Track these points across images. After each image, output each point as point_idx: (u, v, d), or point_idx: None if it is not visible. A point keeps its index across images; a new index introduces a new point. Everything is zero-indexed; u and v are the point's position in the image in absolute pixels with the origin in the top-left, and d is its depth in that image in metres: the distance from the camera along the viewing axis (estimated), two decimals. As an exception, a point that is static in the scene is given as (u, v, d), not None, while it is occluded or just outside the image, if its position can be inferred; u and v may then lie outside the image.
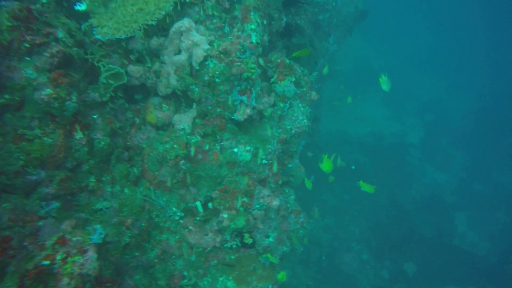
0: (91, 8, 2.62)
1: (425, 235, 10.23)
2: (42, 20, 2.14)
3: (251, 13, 3.14)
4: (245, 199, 2.65)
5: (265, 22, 3.39)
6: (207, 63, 2.55)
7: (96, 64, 2.55)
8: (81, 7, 2.60)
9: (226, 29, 3.00)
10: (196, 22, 2.91)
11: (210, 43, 2.58)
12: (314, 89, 7.06)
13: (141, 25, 2.42)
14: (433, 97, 15.52)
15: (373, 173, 11.37)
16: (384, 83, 3.46)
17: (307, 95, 3.35)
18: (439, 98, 15.52)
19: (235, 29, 2.75)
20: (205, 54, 2.50)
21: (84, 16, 2.64)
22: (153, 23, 2.45)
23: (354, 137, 12.73)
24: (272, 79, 3.06)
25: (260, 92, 2.84)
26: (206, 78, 2.58)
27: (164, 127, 2.85)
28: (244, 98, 2.65)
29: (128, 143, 2.77)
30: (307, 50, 3.60)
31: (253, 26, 3.12)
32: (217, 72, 2.51)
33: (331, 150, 11.59)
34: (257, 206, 2.74)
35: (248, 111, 2.69)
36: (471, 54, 19.04)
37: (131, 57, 2.61)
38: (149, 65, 2.67)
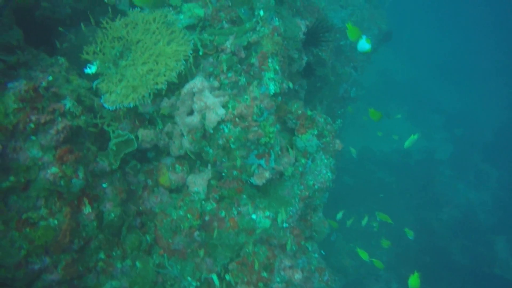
0: (101, 70, 2.51)
1: (460, 262, 9.51)
2: (49, 95, 2.03)
3: (269, 60, 2.94)
4: (265, 274, 2.41)
5: (284, 66, 3.18)
6: (221, 127, 2.36)
7: (106, 128, 2.42)
8: (91, 69, 2.49)
9: (242, 80, 2.81)
10: (210, 75, 2.74)
11: (224, 105, 2.39)
12: (338, 116, 6.76)
13: (150, 91, 2.27)
14: (462, 109, 14.70)
15: (399, 195, 10.79)
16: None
17: (331, 145, 3.09)
18: (468, 110, 14.67)
19: (251, 87, 2.55)
20: (218, 119, 2.32)
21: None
22: (163, 87, 2.30)
23: (379, 155, 12.21)
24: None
25: (279, 153, 2.62)
26: (220, 142, 2.39)
27: (178, 189, 2.68)
28: (262, 161, 2.44)
29: (141, 208, 2.62)
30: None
31: (271, 75, 2.91)
32: (232, 138, 2.31)
33: (354, 170, 11.05)
34: (278, 279, 2.49)
35: (267, 175, 2.47)
36: (502, 62, 17.94)
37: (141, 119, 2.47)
38: (160, 127, 2.52)
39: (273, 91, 2.91)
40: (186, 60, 2.43)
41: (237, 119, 2.31)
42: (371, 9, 6.54)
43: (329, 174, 2.97)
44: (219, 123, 2.34)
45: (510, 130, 13.97)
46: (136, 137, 2.43)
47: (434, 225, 10.25)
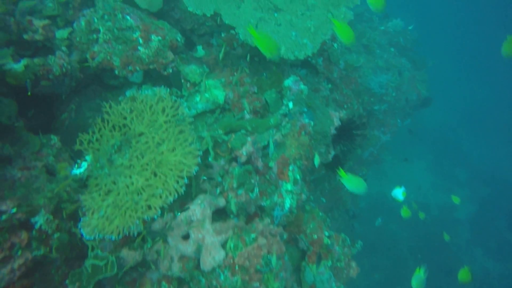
0: (92, 168, 2.14)
1: None
2: (9, 225, 1.67)
3: (290, 168, 2.50)
4: None
5: (306, 167, 2.74)
6: (217, 271, 1.95)
7: (84, 240, 2.05)
8: (80, 169, 2.13)
9: (256, 190, 2.38)
10: (217, 186, 2.33)
11: (225, 244, 1.98)
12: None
13: (140, 217, 1.88)
14: (491, 166, 13.74)
15: (410, 254, 10.11)
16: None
17: (345, 271, 2.62)
18: (498, 168, 13.70)
19: (261, 220, 2.12)
20: (215, 265, 1.91)
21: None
22: (156, 215, 1.91)
23: (394, 203, 11.52)
24: (303, 263, 2.39)
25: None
26: (214, 283, 1.98)
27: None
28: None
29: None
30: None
31: (289, 187, 2.48)
32: (228, 290, 1.90)
33: (365, 217, 10.43)
34: None
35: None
36: None
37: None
38: (149, 245, 2.13)
39: (288, 206, 2.48)
40: (189, 178, 2.04)
41: (236, 267, 1.89)
42: (412, 71, 5.99)
43: (339, 310, 2.51)
44: (215, 267, 1.92)
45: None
46: (118, 257, 2.05)
47: (444, 294, 9.53)
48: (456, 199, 4.96)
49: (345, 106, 4.00)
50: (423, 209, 11.52)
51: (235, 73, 2.85)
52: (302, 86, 2.76)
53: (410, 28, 6.19)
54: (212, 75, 2.91)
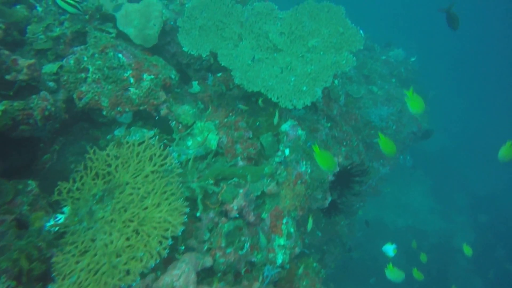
0: (69, 222, 1.98)
1: None
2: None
3: (284, 221, 2.35)
4: None
5: (301, 216, 2.58)
6: None
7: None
8: (56, 221, 1.97)
9: (246, 246, 2.22)
10: (204, 242, 2.17)
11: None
12: (356, 210, 6.06)
13: (117, 283, 1.72)
14: (492, 192, 13.56)
15: (407, 285, 9.85)
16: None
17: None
18: (498, 195, 13.52)
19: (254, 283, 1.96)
20: None
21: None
22: (133, 283, 1.74)
23: (390, 229, 11.32)
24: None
25: None
26: None
27: None
28: None
29: None
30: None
31: (282, 241, 2.32)
32: None
33: (361, 243, 10.18)
34: None
35: None
36: None
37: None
38: (127, 309, 1.95)
39: (280, 262, 2.31)
40: (173, 238, 1.88)
41: None
42: (414, 102, 5.89)
43: None
44: None
45: (541, 226, 12.72)
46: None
47: (441, 328, 9.25)
48: (467, 250, 4.81)
49: (344, 143, 3.88)
50: (421, 237, 11.32)
51: (230, 114, 2.73)
52: (300, 132, 2.63)
53: (412, 60, 6.14)
54: (206, 115, 2.79)
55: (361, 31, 2.72)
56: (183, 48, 2.57)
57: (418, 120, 5.75)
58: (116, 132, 2.60)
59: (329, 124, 3.45)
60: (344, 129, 3.86)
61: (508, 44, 18.69)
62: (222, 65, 2.47)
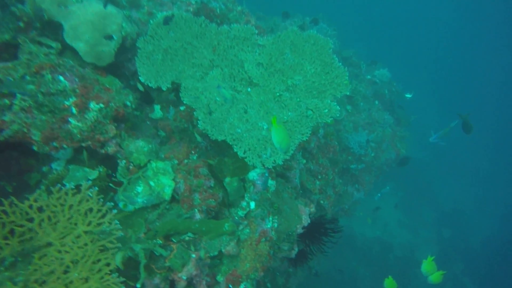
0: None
1: None
2: None
3: (241, 286, 2.05)
4: None
5: (262, 273, 2.30)
6: None
7: None
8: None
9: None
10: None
11: None
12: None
13: None
14: (457, 208, 14.01)
15: (369, 294, 10.00)
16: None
17: None
18: (463, 210, 14.00)
19: None
20: None
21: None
22: None
23: (359, 239, 11.43)
24: None
25: None
26: None
27: None
28: None
29: None
30: None
31: (237, 312, 2.03)
32: None
33: (330, 254, 10.20)
34: None
35: None
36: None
37: None
38: None
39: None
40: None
41: None
42: (394, 126, 5.76)
43: None
44: None
45: (498, 242, 13.35)
46: None
47: None
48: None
49: (320, 177, 3.63)
50: (387, 249, 11.51)
51: (192, 152, 2.37)
52: (270, 182, 2.33)
53: (408, 96, 5.90)
54: (165, 149, 2.42)
55: (346, 72, 2.42)
56: (140, 78, 2.17)
57: (397, 145, 5.62)
58: (54, 165, 2.18)
59: (304, 161, 3.17)
60: (321, 162, 3.60)
61: (487, 65, 19.23)
62: (185, 102, 2.11)
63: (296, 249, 2.70)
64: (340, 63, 2.38)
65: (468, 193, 15.36)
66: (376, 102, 5.68)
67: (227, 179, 2.36)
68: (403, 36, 20.50)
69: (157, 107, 2.68)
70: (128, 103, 2.35)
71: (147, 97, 2.75)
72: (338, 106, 2.16)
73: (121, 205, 2.01)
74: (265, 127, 2.06)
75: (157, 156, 2.32)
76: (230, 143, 1.99)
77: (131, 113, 2.39)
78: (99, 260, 1.69)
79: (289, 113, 2.11)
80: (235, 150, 1.98)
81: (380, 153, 5.31)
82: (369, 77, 5.96)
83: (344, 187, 5.37)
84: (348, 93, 2.27)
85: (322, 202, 3.75)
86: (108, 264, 1.69)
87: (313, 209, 2.63)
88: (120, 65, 2.59)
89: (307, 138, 2.06)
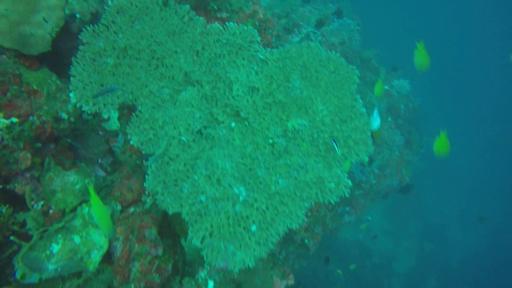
0: None
1: None
2: None
3: None
4: None
5: None
6: None
7: None
8: None
9: None
10: None
11: None
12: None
13: None
14: (441, 222, 13.78)
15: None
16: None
17: None
18: (448, 226, 13.78)
19: None
20: None
21: None
22: None
23: (340, 242, 11.22)
24: None
25: None
26: None
27: None
28: None
29: None
30: None
31: None
32: None
33: (312, 256, 9.97)
34: None
35: None
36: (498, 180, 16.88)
37: None
38: None
39: None
40: None
41: None
42: (402, 148, 5.14)
43: None
44: None
45: (475, 263, 13.31)
46: None
47: None
48: None
49: (309, 214, 3.07)
50: (366, 255, 11.33)
51: (146, 194, 1.75)
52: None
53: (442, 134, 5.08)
54: (113, 179, 1.79)
55: (378, 117, 1.75)
56: (70, 94, 1.48)
57: (402, 171, 5.03)
58: None
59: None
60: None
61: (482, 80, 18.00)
62: (131, 143, 1.44)
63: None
64: (364, 109, 1.71)
65: (455, 207, 15.10)
66: (389, 119, 5.01)
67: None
68: (436, 44, 17.96)
69: (114, 115, 2.00)
70: (64, 116, 1.67)
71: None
72: (350, 181, 1.52)
73: (17, 275, 1.41)
74: (241, 196, 1.42)
75: (96, 193, 1.69)
76: (186, 219, 1.36)
77: (68, 128, 1.73)
78: None
79: (281, 182, 1.46)
80: (189, 233, 1.36)
81: (382, 179, 4.73)
82: (386, 87, 5.22)
83: (331, 223, 4.84)
84: (366, 160, 1.63)
85: (306, 241, 3.21)
86: None
87: (291, 282, 2.07)
88: (66, 54, 1.88)
89: (297, 227, 1.43)
